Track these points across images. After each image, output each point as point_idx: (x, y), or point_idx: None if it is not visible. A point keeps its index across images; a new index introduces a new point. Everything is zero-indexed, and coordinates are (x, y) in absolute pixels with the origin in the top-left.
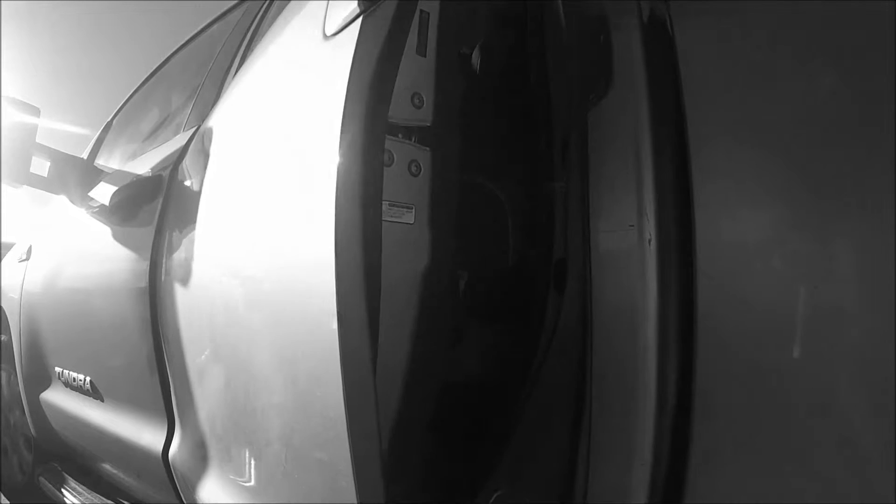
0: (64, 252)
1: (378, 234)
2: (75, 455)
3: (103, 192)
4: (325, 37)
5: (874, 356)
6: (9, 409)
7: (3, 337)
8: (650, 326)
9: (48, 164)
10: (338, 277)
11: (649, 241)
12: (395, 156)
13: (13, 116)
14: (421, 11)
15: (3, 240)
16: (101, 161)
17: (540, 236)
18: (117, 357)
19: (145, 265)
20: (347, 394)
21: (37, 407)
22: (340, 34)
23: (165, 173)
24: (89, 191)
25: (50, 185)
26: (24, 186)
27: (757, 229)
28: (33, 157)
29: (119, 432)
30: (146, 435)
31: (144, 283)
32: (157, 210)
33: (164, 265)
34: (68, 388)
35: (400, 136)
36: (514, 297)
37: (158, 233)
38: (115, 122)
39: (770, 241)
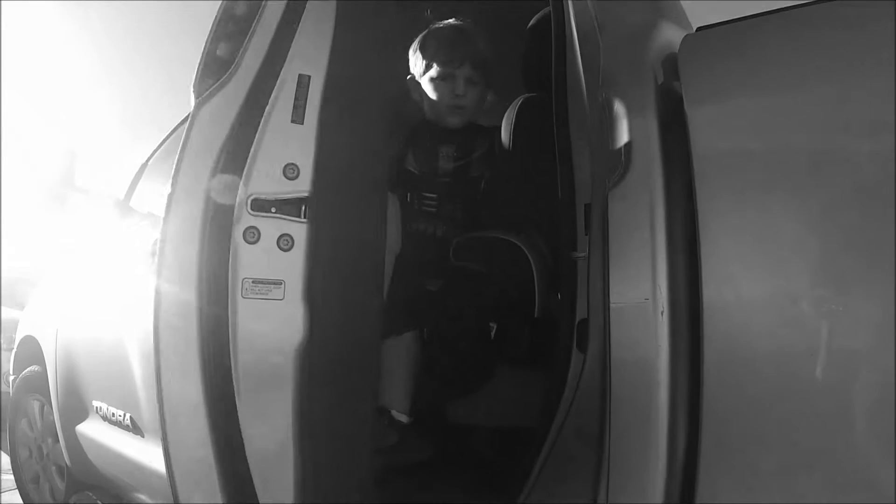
0: (102, 288)
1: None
2: (111, 486)
3: (144, 235)
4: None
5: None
6: (42, 438)
7: (38, 367)
8: (662, 390)
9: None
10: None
11: (662, 313)
12: (260, 232)
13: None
14: (300, 76)
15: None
16: (135, 201)
17: (564, 298)
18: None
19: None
20: None
21: (72, 438)
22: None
23: None
24: (126, 228)
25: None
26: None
27: (763, 299)
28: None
29: (159, 468)
30: None
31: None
32: None
33: None
34: (106, 422)
35: (273, 210)
36: (539, 349)
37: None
38: (150, 163)
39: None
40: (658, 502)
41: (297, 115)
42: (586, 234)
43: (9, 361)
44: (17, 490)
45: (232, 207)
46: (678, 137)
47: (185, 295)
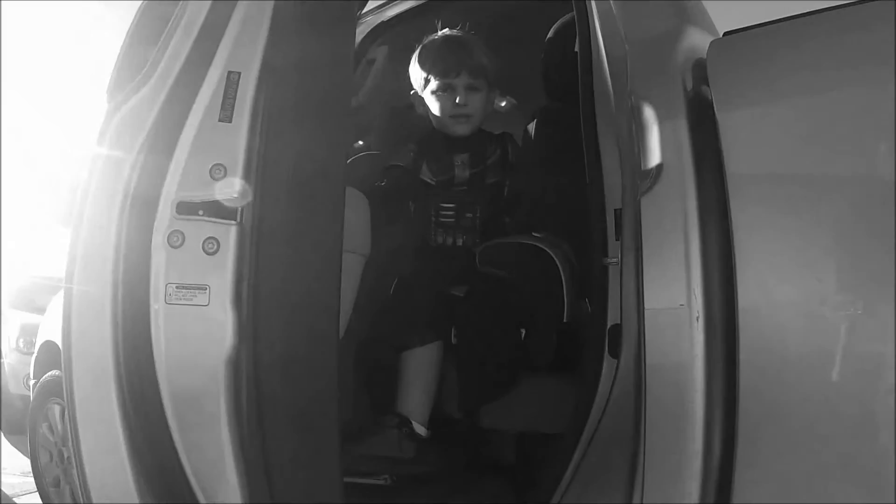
0: None
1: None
2: None
3: None
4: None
5: None
6: (63, 442)
7: (58, 372)
8: (698, 396)
9: None
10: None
11: (697, 318)
12: (185, 236)
13: None
14: (229, 73)
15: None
16: None
17: (595, 303)
18: None
19: None
20: None
21: None
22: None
23: None
24: None
25: None
26: None
27: (798, 304)
28: None
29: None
30: None
31: None
32: None
33: None
34: None
35: (201, 213)
36: (568, 355)
37: None
38: None
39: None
40: None
41: (225, 114)
42: (617, 240)
43: (29, 365)
44: (37, 493)
45: (155, 211)
46: (709, 142)
47: (99, 301)
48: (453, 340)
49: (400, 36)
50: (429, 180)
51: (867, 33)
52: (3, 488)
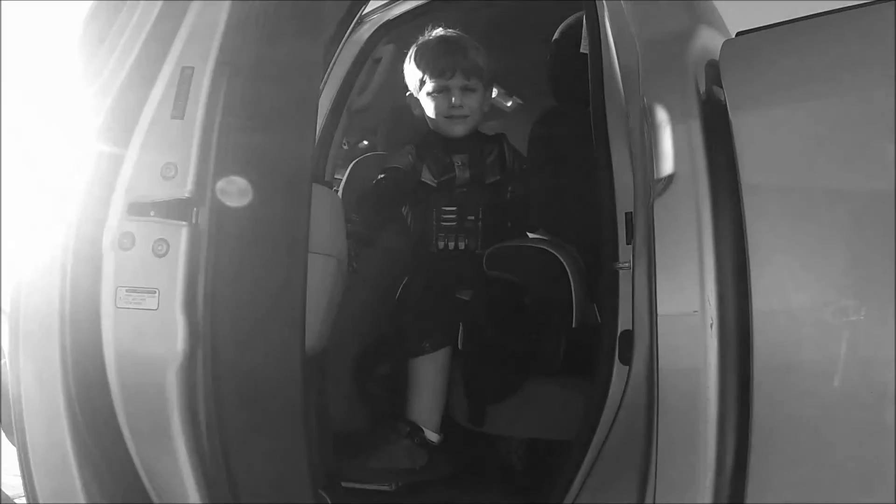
0: None
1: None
2: None
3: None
4: None
5: None
6: None
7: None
8: (712, 405)
9: None
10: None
11: (711, 325)
12: (135, 237)
13: None
14: (183, 68)
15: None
16: None
17: (605, 308)
18: None
19: None
20: None
21: None
22: None
23: None
24: None
25: None
26: None
27: (815, 311)
28: None
29: None
30: None
31: None
32: None
33: None
34: None
35: (152, 213)
36: (576, 360)
37: None
38: None
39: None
40: None
41: (178, 111)
42: (628, 244)
43: None
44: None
45: (105, 213)
46: (722, 145)
47: (46, 304)
48: (459, 346)
49: (406, 34)
50: (430, 182)
51: (886, 33)
52: (3, 488)
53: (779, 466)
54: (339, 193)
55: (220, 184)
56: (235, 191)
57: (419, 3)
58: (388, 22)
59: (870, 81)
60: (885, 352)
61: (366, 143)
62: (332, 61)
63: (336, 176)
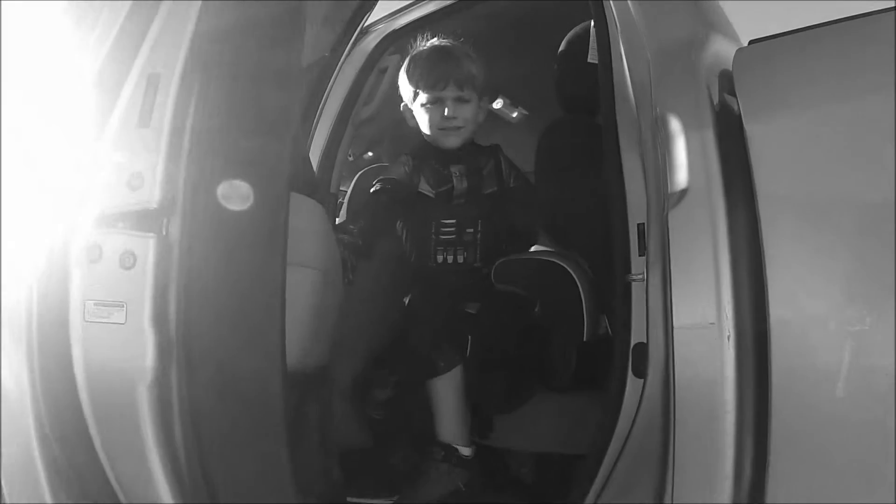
0: None
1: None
2: None
3: None
4: None
5: None
6: None
7: None
8: (729, 418)
9: None
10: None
11: (728, 337)
12: (103, 249)
13: None
14: (150, 75)
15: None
16: None
17: (618, 321)
18: None
19: None
20: None
21: None
22: None
23: None
24: None
25: None
26: None
27: (832, 322)
28: None
29: None
30: None
31: None
32: None
33: None
34: None
35: (121, 225)
36: (589, 372)
37: None
38: None
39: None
40: None
41: (144, 119)
42: (641, 255)
43: None
44: None
45: (74, 223)
46: (737, 154)
47: (15, 315)
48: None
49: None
50: (428, 193)
51: None
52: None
53: (798, 479)
54: (345, 205)
55: (193, 193)
56: (210, 200)
57: (425, 13)
58: (394, 32)
59: (885, 89)
60: None
61: (370, 154)
62: (338, 66)
63: (342, 188)
